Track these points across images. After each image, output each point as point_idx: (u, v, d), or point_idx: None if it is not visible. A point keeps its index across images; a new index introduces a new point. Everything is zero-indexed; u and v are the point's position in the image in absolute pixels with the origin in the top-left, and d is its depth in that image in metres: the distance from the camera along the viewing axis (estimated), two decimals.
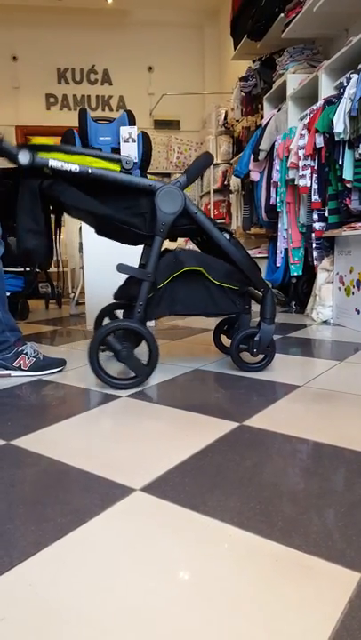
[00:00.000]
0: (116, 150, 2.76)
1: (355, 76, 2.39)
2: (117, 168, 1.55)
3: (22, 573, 0.67)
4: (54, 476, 0.97)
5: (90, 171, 1.47)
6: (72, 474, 0.97)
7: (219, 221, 5.76)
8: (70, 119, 5.66)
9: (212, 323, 2.84)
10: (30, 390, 1.57)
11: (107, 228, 1.71)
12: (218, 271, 1.63)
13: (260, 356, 1.75)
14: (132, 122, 2.75)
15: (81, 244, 3.33)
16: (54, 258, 4.40)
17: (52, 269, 4.21)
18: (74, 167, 1.46)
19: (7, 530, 0.78)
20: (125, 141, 2.70)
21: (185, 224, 1.62)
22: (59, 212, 1.67)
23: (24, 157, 1.44)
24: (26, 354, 1.71)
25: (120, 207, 1.57)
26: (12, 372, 1.70)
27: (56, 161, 1.46)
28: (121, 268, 1.54)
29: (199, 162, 1.63)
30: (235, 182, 4.56)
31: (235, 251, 1.64)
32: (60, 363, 1.78)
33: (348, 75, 2.49)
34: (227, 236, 1.67)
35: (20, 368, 1.70)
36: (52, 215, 1.65)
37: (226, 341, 1.98)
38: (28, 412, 1.36)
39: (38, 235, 1.51)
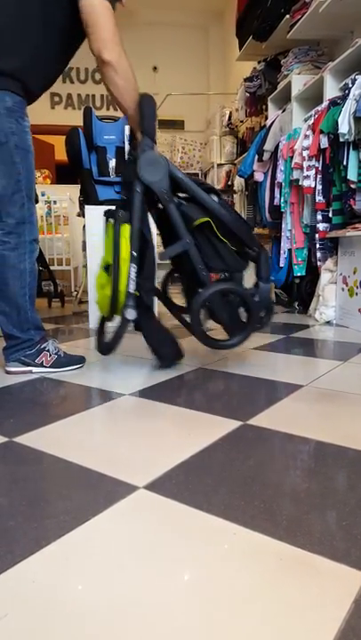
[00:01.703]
0: (121, 149, 2.76)
1: (360, 78, 2.38)
2: None
3: (25, 570, 0.67)
4: (57, 473, 0.96)
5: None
6: (75, 471, 0.96)
7: None
8: (75, 118, 5.66)
9: (214, 323, 2.84)
10: (33, 388, 1.57)
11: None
12: (222, 226, 1.60)
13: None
14: None
15: (84, 242, 3.34)
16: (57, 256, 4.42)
17: (55, 268, 4.22)
18: None
19: (10, 527, 0.77)
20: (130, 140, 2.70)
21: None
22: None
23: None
24: (48, 351, 1.72)
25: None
26: (34, 369, 1.70)
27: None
28: (164, 255, 1.59)
29: (147, 112, 1.56)
30: (238, 182, 4.56)
31: (225, 213, 1.60)
32: (80, 360, 1.79)
33: (353, 76, 2.48)
34: (215, 198, 1.62)
35: (42, 365, 1.70)
36: None
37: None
38: (31, 410, 1.36)
39: None
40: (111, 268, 1.60)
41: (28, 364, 1.70)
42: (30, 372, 1.70)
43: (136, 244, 1.57)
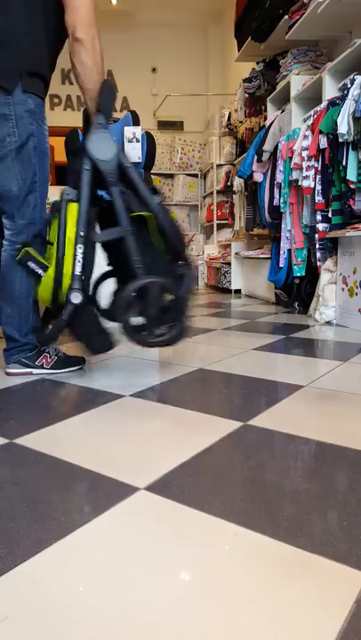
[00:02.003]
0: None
1: (359, 78, 2.39)
2: None
3: (26, 572, 0.67)
4: (57, 474, 0.96)
5: None
6: (75, 472, 0.96)
7: (221, 222, 5.77)
8: (74, 119, 5.69)
9: (214, 324, 2.84)
10: (33, 389, 1.57)
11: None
12: (158, 229, 1.53)
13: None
14: (136, 122, 2.75)
15: None
16: None
17: None
18: None
19: (11, 528, 0.77)
20: (129, 141, 2.70)
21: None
22: None
23: None
24: (48, 352, 1.72)
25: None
26: (34, 370, 1.70)
27: None
28: (99, 237, 1.50)
29: (105, 92, 1.52)
30: (238, 183, 4.56)
31: (163, 217, 1.53)
32: (80, 361, 1.79)
33: (351, 76, 2.49)
34: (157, 199, 1.55)
35: (42, 366, 1.70)
36: None
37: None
38: (31, 411, 1.36)
39: None
40: (53, 249, 1.53)
41: (29, 366, 1.70)
42: (30, 373, 1.70)
43: (84, 223, 1.50)
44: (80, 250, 1.49)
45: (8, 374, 1.70)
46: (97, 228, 1.58)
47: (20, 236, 1.62)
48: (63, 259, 1.50)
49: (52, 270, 1.53)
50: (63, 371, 1.73)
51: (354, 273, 2.54)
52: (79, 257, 1.50)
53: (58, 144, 5.22)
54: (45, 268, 1.55)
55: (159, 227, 1.53)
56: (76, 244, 1.49)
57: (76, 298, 1.50)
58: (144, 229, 1.54)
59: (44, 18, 1.52)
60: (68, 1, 1.46)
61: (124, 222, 1.51)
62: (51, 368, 1.71)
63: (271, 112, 3.84)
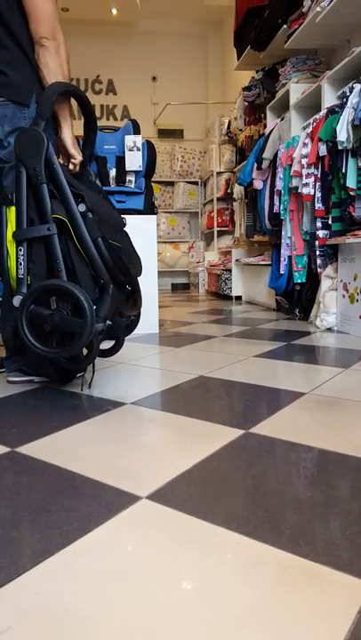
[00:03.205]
0: (121, 158, 2.78)
1: (358, 86, 2.40)
2: None
3: (28, 582, 0.67)
4: (59, 483, 0.96)
5: None
6: (77, 481, 0.96)
7: (222, 229, 5.78)
8: (75, 128, 5.73)
9: (215, 331, 2.85)
10: (34, 397, 1.57)
11: None
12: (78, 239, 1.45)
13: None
14: (136, 131, 2.77)
15: None
16: None
17: None
18: None
19: (13, 537, 0.77)
20: (130, 150, 2.72)
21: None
22: None
23: None
24: None
25: None
26: (35, 378, 1.70)
27: None
28: (17, 235, 1.45)
29: (46, 93, 1.48)
30: (238, 190, 4.58)
31: (79, 227, 1.45)
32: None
33: (350, 84, 2.50)
34: (82, 208, 1.47)
35: None
36: None
37: None
38: (32, 419, 1.36)
39: None
40: None
41: (30, 374, 1.70)
42: (32, 381, 1.70)
43: (23, 225, 1.46)
44: (21, 252, 1.45)
45: (9, 382, 1.70)
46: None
47: None
48: (8, 263, 1.48)
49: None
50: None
51: (354, 279, 2.54)
52: (20, 259, 1.46)
53: None
54: None
55: (75, 234, 1.46)
56: (17, 247, 1.46)
57: (17, 301, 1.44)
58: (69, 235, 1.47)
59: (19, 23, 1.54)
60: (31, 10, 1.49)
61: (48, 221, 1.45)
62: None
63: (271, 120, 3.87)
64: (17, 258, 1.46)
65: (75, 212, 1.46)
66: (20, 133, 1.48)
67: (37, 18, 1.49)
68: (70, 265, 1.47)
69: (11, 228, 1.49)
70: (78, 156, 1.65)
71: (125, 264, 1.56)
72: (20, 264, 1.46)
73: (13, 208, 1.48)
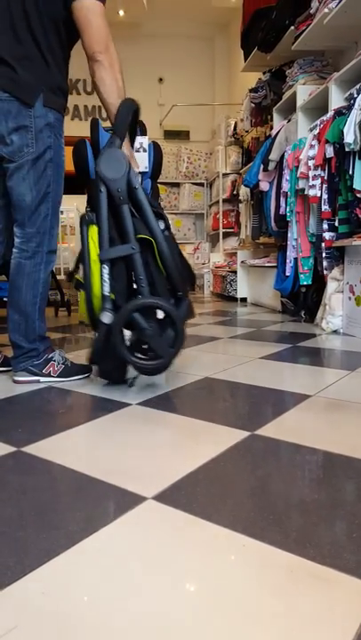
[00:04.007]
0: None
1: None
2: None
3: (35, 581, 0.67)
4: (65, 483, 0.96)
5: None
6: (83, 481, 0.96)
7: (227, 230, 5.78)
8: (82, 129, 5.74)
9: (220, 332, 2.84)
10: (41, 397, 1.57)
11: None
12: (160, 255, 1.53)
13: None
14: (142, 132, 2.77)
15: None
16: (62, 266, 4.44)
17: (62, 277, 4.24)
18: None
19: (19, 537, 0.77)
20: (136, 151, 2.72)
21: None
22: None
23: None
24: (55, 360, 1.72)
25: None
26: (41, 379, 1.71)
27: None
28: (105, 254, 1.50)
29: (121, 112, 1.52)
30: (244, 192, 4.58)
31: (163, 243, 1.52)
32: (87, 369, 1.78)
33: (358, 86, 2.50)
34: (162, 225, 1.55)
35: (49, 374, 1.71)
36: None
37: None
38: (39, 419, 1.36)
39: None
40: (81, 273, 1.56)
41: (36, 374, 1.70)
42: (38, 381, 1.71)
43: (105, 245, 1.51)
44: (105, 270, 1.51)
45: (15, 382, 1.70)
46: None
47: (30, 244, 1.65)
48: (90, 280, 1.53)
49: (83, 291, 1.58)
50: (70, 379, 1.73)
51: None
52: (105, 277, 1.51)
53: (66, 154, 5.24)
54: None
55: (158, 253, 1.53)
56: (101, 265, 1.51)
57: (107, 318, 1.50)
58: (150, 252, 1.54)
59: (58, 39, 1.58)
60: (85, 26, 1.50)
61: (130, 241, 1.51)
62: (58, 376, 1.72)
63: (277, 122, 3.86)
64: (101, 276, 1.51)
65: (159, 231, 1.52)
66: (103, 153, 1.51)
67: (91, 34, 1.50)
68: (151, 279, 1.54)
69: (93, 246, 1.53)
70: (136, 169, 1.64)
71: (194, 276, 1.68)
72: (105, 282, 1.51)
73: (95, 227, 1.53)
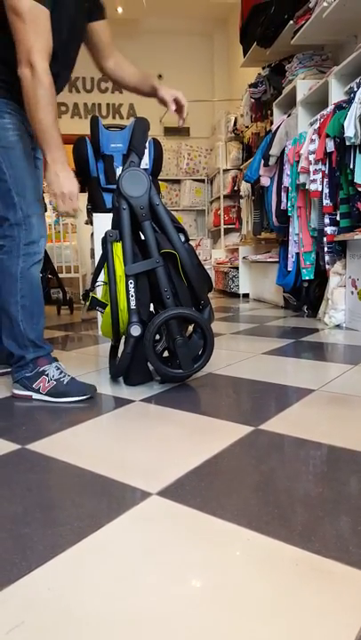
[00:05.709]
0: (127, 157, 2.78)
1: None
2: None
3: (40, 578, 0.67)
4: (70, 479, 0.97)
5: None
6: (87, 478, 0.97)
7: (229, 226, 5.77)
8: (81, 127, 5.72)
9: (223, 328, 2.84)
10: None
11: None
12: (182, 267, 1.59)
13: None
14: None
15: (92, 249, 3.36)
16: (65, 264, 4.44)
17: (64, 275, 4.25)
18: None
19: (24, 534, 0.78)
20: None
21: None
22: None
23: None
24: (47, 375, 1.50)
25: None
26: (34, 395, 1.52)
27: None
28: (130, 269, 1.56)
29: (137, 131, 1.60)
30: (245, 187, 4.57)
31: (186, 256, 1.59)
32: (86, 390, 1.52)
33: (358, 80, 2.49)
34: (182, 237, 1.61)
35: (38, 391, 1.50)
36: None
37: None
38: (42, 417, 1.37)
39: None
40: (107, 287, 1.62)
41: (28, 389, 1.52)
42: (31, 397, 1.52)
43: (130, 260, 1.57)
44: (131, 285, 1.56)
45: (13, 396, 1.56)
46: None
47: (6, 239, 1.48)
48: (117, 296, 1.58)
49: (109, 307, 1.62)
50: (59, 400, 1.49)
51: None
52: (132, 292, 1.57)
53: (66, 151, 5.24)
54: (104, 307, 1.65)
55: (181, 265, 1.58)
56: (127, 281, 1.57)
57: (136, 330, 1.56)
58: (171, 264, 1.60)
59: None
60: (13, 32, 1.33)
61: (154, 255, 1.56)
62: (47, 394, 1.50)
63: (277, 116, 3.85)
64: (127, 290, 1.57)
65: (180, 245, 1.58)
66: (125, 173, 1.55)
67: (16, 40, 1.33)
68: (174, 290, 1.60)
69: (119, 262, 1.58)
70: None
71: (211, 282, 1.73)
72: (132, 296, 1.57)
73: (119, 244, 1.59)
